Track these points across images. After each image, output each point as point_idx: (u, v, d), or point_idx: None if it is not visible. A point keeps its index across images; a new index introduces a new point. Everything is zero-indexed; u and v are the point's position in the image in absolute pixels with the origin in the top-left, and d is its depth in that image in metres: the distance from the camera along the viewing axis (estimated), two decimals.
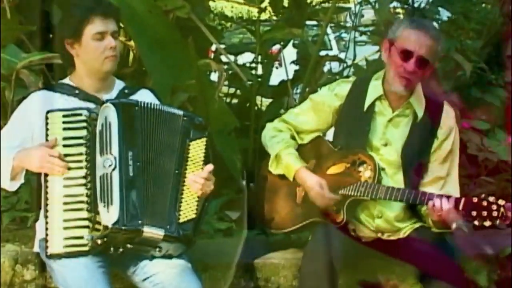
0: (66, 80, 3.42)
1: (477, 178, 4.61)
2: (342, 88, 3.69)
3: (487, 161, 4.68)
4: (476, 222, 3.28)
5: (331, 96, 3.69)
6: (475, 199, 3.29)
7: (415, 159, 3.56)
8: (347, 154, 3.59)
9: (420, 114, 3.57)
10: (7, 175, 3.26)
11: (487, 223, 3.26)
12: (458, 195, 3.46)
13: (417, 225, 3.58)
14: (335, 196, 3.53)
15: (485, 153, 4.67)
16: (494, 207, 3.25)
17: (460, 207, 3.32)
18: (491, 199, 3.27)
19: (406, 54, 3.45)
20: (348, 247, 3.49)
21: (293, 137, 3.75)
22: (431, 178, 3.58)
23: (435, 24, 5.21)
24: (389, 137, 3.59)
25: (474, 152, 4.65)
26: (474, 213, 3.27)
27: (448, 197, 3.36)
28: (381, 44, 3.63)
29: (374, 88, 3.60)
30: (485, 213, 3.25)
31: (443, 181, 3.58)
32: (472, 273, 3.81)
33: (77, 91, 3.36)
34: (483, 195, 3.30)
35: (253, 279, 3.77)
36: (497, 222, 3.26)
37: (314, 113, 3.73)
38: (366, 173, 3.53)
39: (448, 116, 3.61)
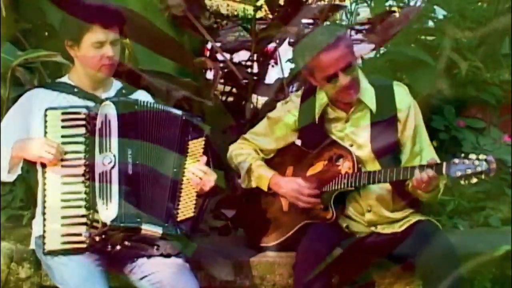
0: (65, 79, 3.45)
1: None
2: (293, 103, 3.70)
3: None
4: (462, 182, 3.27)
5: (285, 113, 3.71)
6: (456, 160, 3.27)
7: (386, 149, 3.55)
8: (322, 152, 3.60)
9: (373, 107, 3.56)
10: (5, 166, 3.27)
11: (473, 180, 3.25)
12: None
13: (413, 220, 3.59)
14: (315, 191, 3.54)
15: (480, 151, 4.67)
16: (477, 162, 3.24)
17: (443, 171, 3.30)
18: (472, 156, 3.26)
19: (332, 76, 3.44)
20: (341, 244, 3.49)
21: (257, 152, 3.77)
22: (408, 157, 3.56)
23: (431, 22, 5.22)
24: (352, 137, 3.59)
25: (469, 151, 4.65)
26: (458, 174, 3.26)
27: (429, 165, 3.34)
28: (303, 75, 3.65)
29: (320, 96, 3.60)
30: (469, 171, 3.24)
31: (419, 156, 3.56)
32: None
33: (76, 90, 3.38)
34: (463, 154, 3.28)
35: (249, 277, 3.76)
36: (483, 176, 3.24)
37: (271, 132, 3.74)
38: (345, 164, 3.53)
39: (402, 95, 3.60)
